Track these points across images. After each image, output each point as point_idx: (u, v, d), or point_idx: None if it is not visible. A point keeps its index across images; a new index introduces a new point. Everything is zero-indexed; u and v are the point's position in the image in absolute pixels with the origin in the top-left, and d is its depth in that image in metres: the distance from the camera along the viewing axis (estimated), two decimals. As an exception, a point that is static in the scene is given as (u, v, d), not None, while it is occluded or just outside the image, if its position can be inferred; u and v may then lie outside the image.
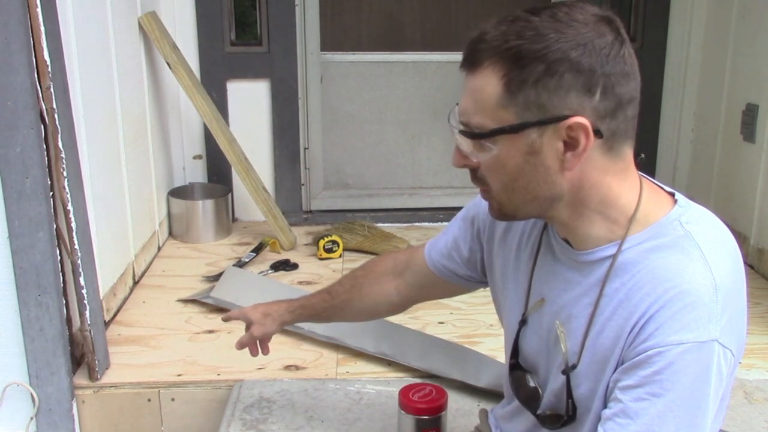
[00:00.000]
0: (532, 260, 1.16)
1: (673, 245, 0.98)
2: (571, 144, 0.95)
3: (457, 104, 1.02)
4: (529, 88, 0.93)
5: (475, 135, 0.98)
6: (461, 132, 0.99)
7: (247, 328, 1.60)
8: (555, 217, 1.05)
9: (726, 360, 0.95)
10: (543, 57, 0.92)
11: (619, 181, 1.01)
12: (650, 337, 0.94)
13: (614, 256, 1.01)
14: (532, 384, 1.17)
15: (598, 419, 1.02)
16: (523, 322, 1.18)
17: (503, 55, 0.93)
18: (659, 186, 1.08)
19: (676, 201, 1.04)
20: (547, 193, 1.00)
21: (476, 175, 1.03)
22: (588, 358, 1.04)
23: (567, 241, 1.09)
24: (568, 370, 1.07)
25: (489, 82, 0.95)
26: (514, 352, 1.21)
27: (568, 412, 1.08)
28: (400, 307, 1.51)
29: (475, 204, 1.30)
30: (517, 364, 1.20)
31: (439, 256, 1.38)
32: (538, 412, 1.15)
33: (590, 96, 0.93)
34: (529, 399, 1.17)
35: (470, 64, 0.97)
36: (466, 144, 1.00)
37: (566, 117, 0.93)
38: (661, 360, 0.93)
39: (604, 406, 1.01)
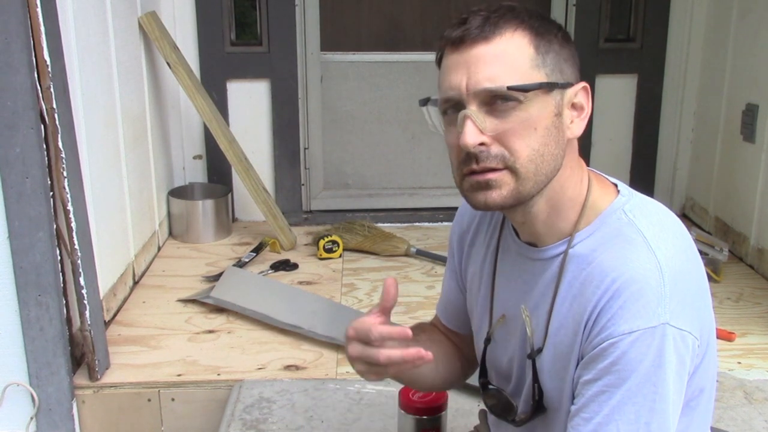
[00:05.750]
0: (492, 269, 1.18)
1: (618, 234, 1.00)
2: (579, 108, 1.03)
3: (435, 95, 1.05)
4: (555, 53, 1.00)
5: (520, 89, 0.96)
6: (509, 87, 0.95)
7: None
8: (532, 211, 1.05)
9: (685, 342, 0.95)
10: (557, 31, 1.02)
11: (577, 170, 1.05)
12: (603, 329, 0.96)
13: (565, 252, 1.04)
14: (504, 397, 1.18)
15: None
16: (487, 340, 1.20)
17: (527, 24, 0.99)
18: (603, 176, 1.11)
19: (619, 191, 1.07)
20: (557, 163, 1.01)
21: (491, 153, 0.98)
22: (551, 355, 1.05)
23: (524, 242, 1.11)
24: (533, 354, 1.08)
25: (517, 46, 0.98)
26: (483, 371, 1.22)
27: (534, 397, 1.09)
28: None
29: (452, 233, 1.30)
30: (487, 383, 1.22)
31: (444, 314, 1.35)
32: (516, 418, 1.16)
33: (578, 74, 1.04)
34: (505, 411, 1.18)
35: (487, 33, 0.97)
36: (495, 111, 0.97)
37: (574, 84, 1.02)
38: (615, 351, 0.94)
39: (572, 403, 1.01)
